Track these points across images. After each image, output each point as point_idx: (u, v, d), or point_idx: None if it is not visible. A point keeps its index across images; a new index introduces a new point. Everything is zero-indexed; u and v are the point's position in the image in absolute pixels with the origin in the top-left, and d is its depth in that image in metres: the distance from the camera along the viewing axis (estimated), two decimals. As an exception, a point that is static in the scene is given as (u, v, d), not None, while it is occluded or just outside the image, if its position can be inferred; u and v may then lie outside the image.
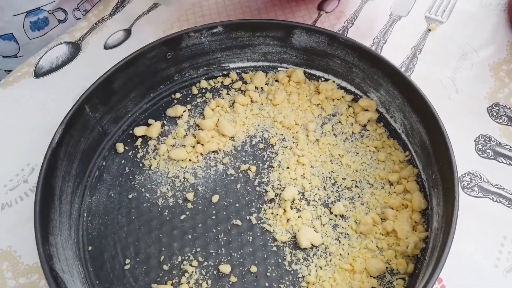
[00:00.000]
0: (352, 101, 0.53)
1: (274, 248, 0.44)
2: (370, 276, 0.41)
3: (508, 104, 0.54)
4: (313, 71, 0.55)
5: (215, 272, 0.42)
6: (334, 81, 0.54)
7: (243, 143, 0.51)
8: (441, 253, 0.35)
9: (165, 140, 0.51)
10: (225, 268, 0.42)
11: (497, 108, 0.54)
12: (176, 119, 0.53)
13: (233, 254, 0.43)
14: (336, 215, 0.45)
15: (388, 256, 0.42)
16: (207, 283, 0.42)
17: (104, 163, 0.50)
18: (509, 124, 0.52)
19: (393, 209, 0.45)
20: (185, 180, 0.49)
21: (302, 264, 0.43)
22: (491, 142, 0.51)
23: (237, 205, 0.47)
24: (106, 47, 0.62)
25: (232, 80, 0.56)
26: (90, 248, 0.44)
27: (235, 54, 0.55)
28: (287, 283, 0.42)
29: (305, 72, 0.55)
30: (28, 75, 0.59)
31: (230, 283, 0.42)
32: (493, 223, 0.45)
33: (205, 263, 0.43)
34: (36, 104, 0.56)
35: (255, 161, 0.50)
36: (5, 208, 0.48)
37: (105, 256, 0.44)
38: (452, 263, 0.41)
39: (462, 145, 0.50)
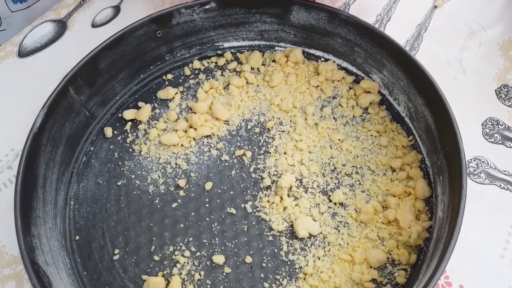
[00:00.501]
0: (353, 82, 0.50)
1: (270, 238, 0.42)
2: (371, 267, 0.40)
3: (518, 85, 0.51)
4: (312, 51, 0.52)
5: (208, 263, 0.41)
6: (334, 62, 0.51)
7: (238, 127, 0.49)
8: (447, 245, 0.33)
9: (156, 124, 0.49)
10: (219, 259, 0.40)
11: (506, 90, 0.51)
12: (168, 101, 0.51)
13: (227, 244, 0.42)
14: (335, 203, 0.43)
15: (390, 246, 0.40)
16: (199, 274, 0.40)
17: (91, 148, 0.47)
18: (518, 107, 0.49)
19: (395, 197, 0.43)
20: (177, 166, 0.46)
21: (299, 255, 0.41)
22: (499, 126, 0.48)
23: (231, 192, 0.44)
24: (94, 25, 0.58)
25: (226, 61, 0.53)
26: (77, 237, 0.42)
27: (229, 33, 0.52)
28: (284, 274, 0.40)
29: (304, 52, 0.52)
30: (12, 55, 0.56)
31: (224, 274, 0.40)
32: (500, 211, 0.43)
33: (198, 254, 0.41)
34: (20, 86, 0.54)
35: (250, 147, 0.47)
36: (-12, 196, 0.46)
37: (93, 246, 0.42)
38: (456, 253, 0.39)
39: (469, 129, 0.48)
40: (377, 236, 0.41)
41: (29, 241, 0.35)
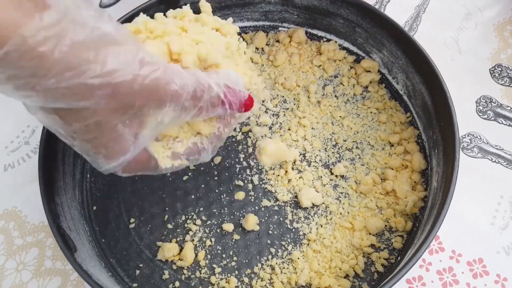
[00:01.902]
0: (354, 62, 0.53)
1: (276, 208, 0.44)
2: (370, 233, 0.43)
3: (511, 65, 0.53)
4: (315, 31, 0.54)
5: (218, 230, 0.43)
6: (336, 42, 0.53)
7: (244, 105, 0.51)
8: (440, 210, 0.36)
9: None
10: (228, 227, 0.43)
11: (500, 69, 0.53)
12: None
13: (235, 213, 0.44)
14: (336, 176, 0.46)
15: (387, 214, 0.43)
16: (210, 241, 0.43)
17: (105, 125, 0.50)
18: (511, 85, 0.52)
19: (393, 169, 0.46)
20: (187, 141, 0.49)
21: (303, 223, 0.44)
22: (492, 103, 0.51)
23: (239, 166, 0.47)
24: (102, 6, 0.60)
25: (232, 41, 0.55)
26: (94, 207, 0.45)
27: (234, 13, 0.54)
28: (289, 240, 0.43)
29: (306, 32, 0.54)
30: (23, 35, 0.58)
31: (233, 240, 0.43)
32: (490, 183, 0.46)
33: (208, 222, 0.44)
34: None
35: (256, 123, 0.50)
36: (8, 169, 0.48)
37: (109, 216, 0.44)
38: (449, 221, 0.42)
39: (463, 106, 0.50)
40: (376, 205, 0.44)
41: (53, 208, 0.38)
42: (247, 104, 0.32)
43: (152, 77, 0.25)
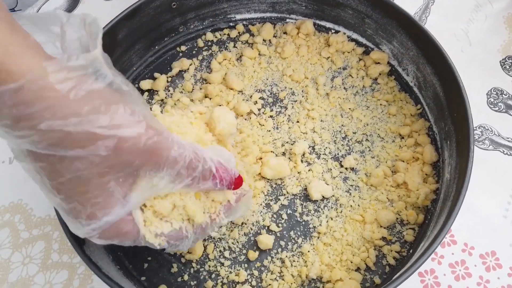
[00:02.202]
0: (363, 53, 0.52)
1: (285, 201, 0.44)
2: (381, 226, 0.42)
3: (522, 57, 0.53)
4: (323, 23, 0.53)
5: (227, 223, 0.43)
6: (344, 33, 0.52)
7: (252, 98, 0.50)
8: (454, 203, 0.35)
9: (172, 94, 0.50)
10: (238, 220, 0.43)
11: (510, 61, 0.53)
12: (182, 72, 0.52)
13: (244, 206, 0.44)
14: (346, 168, 0.45)
15: (399, 207, 0.43)
16: (219, 234, 0.42)
17: (111, 117, 0.49)
18: (522, 77, 0.51)
19: (404, 162, 0.45)
20: (194, 134, 0.48)
21: (313, 216, 0.43)
22: (503, 95, 0.50)
23: (247, 158, 0.46)
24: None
25: (238, 33, 0.54)
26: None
27: (242, 4, 0.53)
28: (299, 233, 0.42)
29: (314, 24, 0.53)
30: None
31: (243, 233, 0.42)
32: (503, 175, 0.45)
33: (217, 215, 0.43)
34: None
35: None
36: (14, 162, 0.47)
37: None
38: (461, 214, 0.41)
39: (474, 98, 0.49)
40: (387, 198, 0.43)
41: (61, 200, 0.37)
42: (237, 183, 0.32)
43: (156, 140, 0.26)
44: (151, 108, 0.36)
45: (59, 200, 0.26)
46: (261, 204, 0.43)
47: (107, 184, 0.26)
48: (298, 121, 0.48)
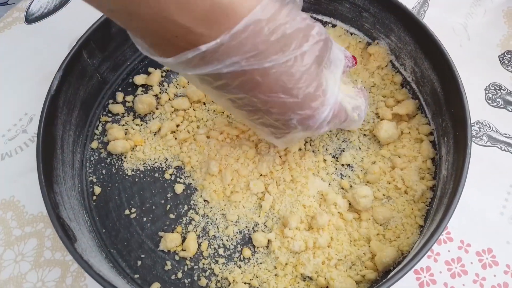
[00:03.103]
0: (361, 48, 0.51)
1: (281, 197, 0.43)
2: (376, 223, 0.41)
3: (521, 52, 0.52)
4: (320, 16, 0.52)
5: (222, 220, 0.42)
6: (342, 27, 0.52)
7: (248, 92, 0.49)
8: (451, 199, 0.35)
9: (166, 89, 0.50)
10: (232, 217, 0.42)
11: (509, 56, 0.52)
12: (178, 67, 0.51)
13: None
14: (343, 165, 0.45)
15: (395, 204, 0.42)
16: (214, 231, 0.42)
17: (104, 113, 0.48)
18: (521, 72, 0.51)
19: (400, 158, 0.44)
20: (189, 129, 0.47)
21: (309, 213, 0.43)
22: (502, 91, 0.50)
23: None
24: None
25: (235, 26, 0.53)
26: (94, 197, 0.44)
27: (238, -2, 0.52)
28: (294, 230, 0.42)
29: (311, 18, 0.52)
30: (19, 21, 0.56)
31: (237, 230, 0.42)
32: (500, 172, 0.45)
33: (212, 212, 0.43)
34: (29, 52, 0.54)
35: (260, 111, 0.48)
36: (5, 158, 0.47)
37: (110, 206, 0.43)
38: (458, 210, 0.41)
39: (472, 94, 0.49)
40: (383, 195, 0.43)
41: (52, 197, 0.37)
42: (355, 59, 0.38)
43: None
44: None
45: (291, 100, 0.30)
46: (256, 202, 0.43)
47: (321, 72, 0.32)
48: (294, 117, 0.47)
